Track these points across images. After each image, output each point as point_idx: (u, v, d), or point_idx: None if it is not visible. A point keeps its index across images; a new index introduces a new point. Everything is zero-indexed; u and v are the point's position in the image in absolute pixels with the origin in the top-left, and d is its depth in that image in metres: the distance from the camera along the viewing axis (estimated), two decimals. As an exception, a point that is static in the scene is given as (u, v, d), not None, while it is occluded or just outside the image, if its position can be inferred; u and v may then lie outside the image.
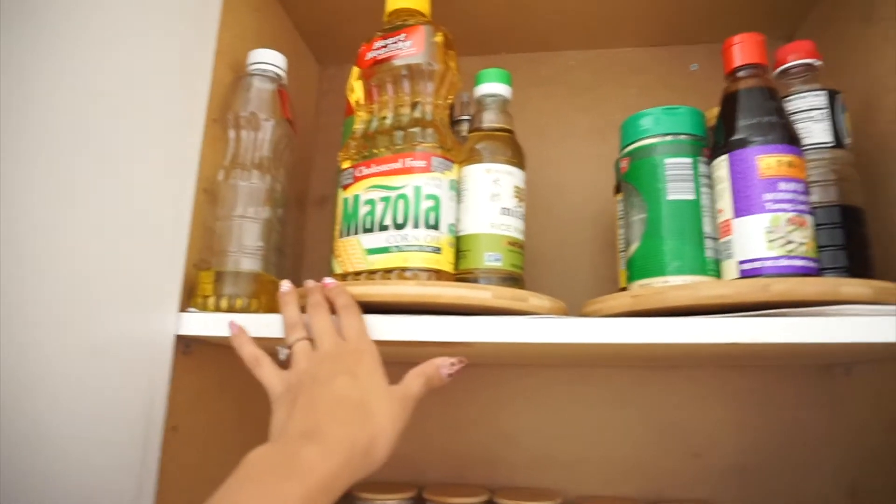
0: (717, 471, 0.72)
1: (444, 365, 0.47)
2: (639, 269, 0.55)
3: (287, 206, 0.62)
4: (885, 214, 0.58)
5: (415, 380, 0.46)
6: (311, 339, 0.48)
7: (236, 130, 0.59)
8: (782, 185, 0.50)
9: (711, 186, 0.55)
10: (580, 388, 0.76)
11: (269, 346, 0.49)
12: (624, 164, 0.58)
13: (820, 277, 0.49)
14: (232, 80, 0.61)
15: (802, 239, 0.49)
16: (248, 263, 0.56)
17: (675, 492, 0.72)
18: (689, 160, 0.55)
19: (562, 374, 0.76)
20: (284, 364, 0.48)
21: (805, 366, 0.73)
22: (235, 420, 0.64)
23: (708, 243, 0.54)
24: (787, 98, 0.57)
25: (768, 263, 0.49)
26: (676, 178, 0.55)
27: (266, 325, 0.51)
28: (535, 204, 0.80)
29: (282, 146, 0.61)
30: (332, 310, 0.49)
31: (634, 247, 0.56)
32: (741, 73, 0.55)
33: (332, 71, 0.90)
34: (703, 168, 0.55)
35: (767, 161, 0.51)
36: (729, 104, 0.55)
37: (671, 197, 0.54)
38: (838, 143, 0.56)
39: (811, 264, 0.49)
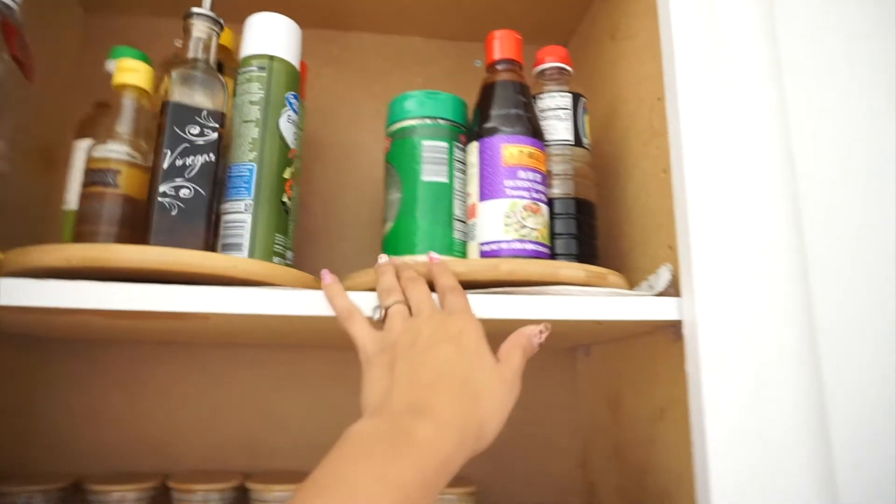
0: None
1: (534, 334, 0.44)
2: (392, 247, 0.56)
3: (12, 159, 0.54)
4: (614, 211, 0.66)
5: (515, 354, 0.42)
6: (408, 306, 0.45)
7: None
8: (522, 174, 0.54)
9: (465, 171, 0.57)
10: (349, 370, 0.75)
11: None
12: (386, 144, 0.59)
13: (546, 260, 0.54)
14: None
15: (535, 225, 0.53)
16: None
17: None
18: (445, 144, 0.57)
19: (329, 357, 0.76)
20: (377, 325, 0.45)
21: (552, 348, 0.80)
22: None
23: (457, 225, 0.56)
24: (539, 96, 0.62)
25: (504, 246, 0.53)
26: (432, 160, 0.57)
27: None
28: (320, 185, 0.79)
29: (6, 90, 0.53)
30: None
31: (389, 225, 0.57)
32: (499, 67, 0.58)
33: (99, 21, 0.80)
34: (458, 153, 0.58)
35: (511, 150, 0.54)
36: (485, 94, 0.58)
37: (425, 178, 0.56)
38: (577, 141, 0.61)
39: (542, 248, 0.54)
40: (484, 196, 0.55)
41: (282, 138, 0.56)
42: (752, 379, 0.46)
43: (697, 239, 0.49)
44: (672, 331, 0.52)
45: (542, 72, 0.63)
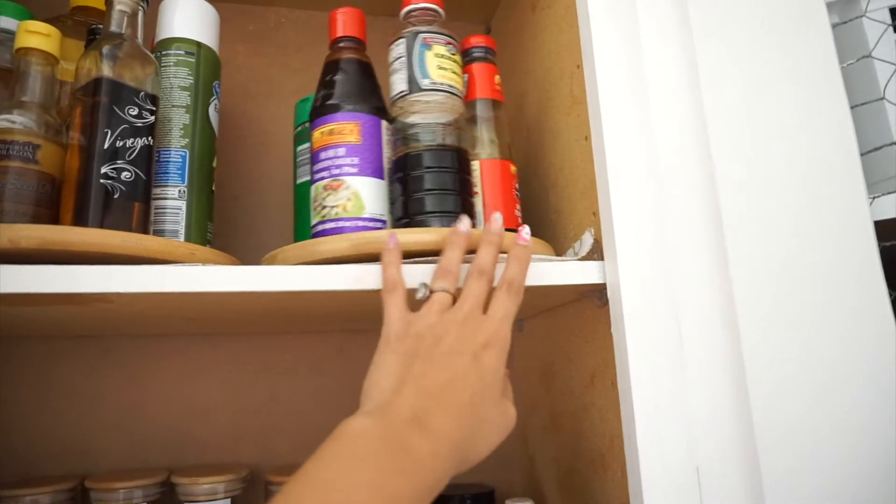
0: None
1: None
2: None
3: None
4: (540, 181, 0.65)
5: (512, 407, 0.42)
6: (455, 296, 0.43)
7: None
8: (322, 155, 0.54)
9: None
10: (273, 357, 0.73)
11: None
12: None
13: (302, 242, 0.50)
14: None
15: (335, 202, 0.52)
16: None
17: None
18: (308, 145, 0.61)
19: (252, 343, 0.73)
20: (417, 304, 0.43)
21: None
22: None
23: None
24: (389, 50, 0.56)
25: (315, 230, 0.53)
26: (301, 163, 0.64)
27: None
28: (238, 164, 0.76)
29: None
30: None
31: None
32: (334, 47, 0.57)
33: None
34: None
35: (315, 135, 0.55)
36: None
37: (298, 181, 0.64)
38: (413, 87, 0.54)
39: (345, 223, 0.52)
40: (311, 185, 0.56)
41: (211, 126, 0.56)
42: (675, 339, 0.47)
43: (618, 203, 0.49)
44: (598, 296, 0.52)
45: (407, 16, 0.57)
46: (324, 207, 0.52)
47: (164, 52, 0.55)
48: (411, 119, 0.54)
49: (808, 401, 0.46)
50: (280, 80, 0.79)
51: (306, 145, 0.62)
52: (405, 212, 0.52)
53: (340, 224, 0.51)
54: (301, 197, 0.62)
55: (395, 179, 0.54)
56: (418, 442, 0.34)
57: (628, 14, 0.53)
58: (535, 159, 0.67)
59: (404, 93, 0.54)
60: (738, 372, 0.46)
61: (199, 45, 0.56)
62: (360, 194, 0.52)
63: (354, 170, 0.52)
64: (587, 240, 0.52)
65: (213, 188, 0.56)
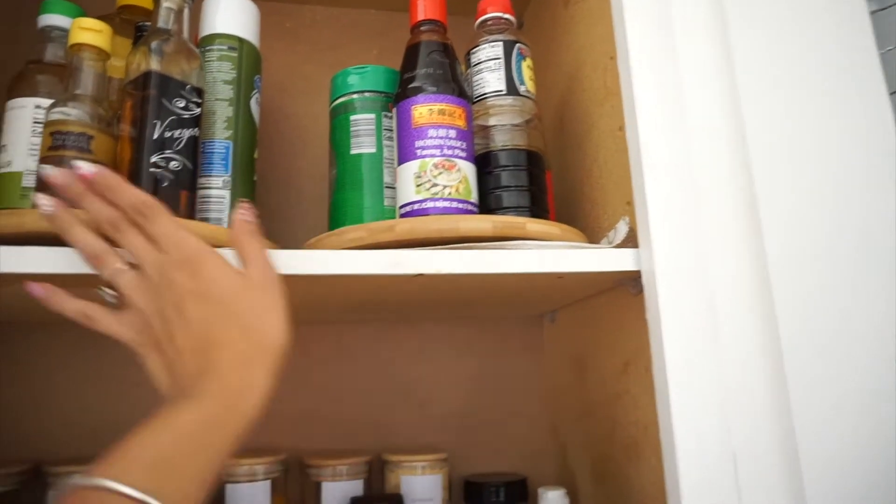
0: (440, 419, 0.76)
1: (240, 214, 0.43)
2: (332, 220, 0.59)
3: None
4: (575, 173, 0.66)
5: (250, 247, 0.42)
6: (129, 264, 0.40)
7: None
8: (432, 132, 0.54)
9: (393, 139, 0.58)
10: (308, 344, 0.75)
11: None
12: (331, 124, 0.62)
13: (442, 215, 0.52)
14: None
15: (448, 182, 0.53)
16: None
17: (402, 441, 0.74)
18: (372, 116, 0.59)
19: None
20: (117, 306, 0.41)
21: (520, 317, 0.81)
22: None
23: (388, 193, 0.58)
24: (472, 51, 0.60)
25: (416, 206, 0.53)
26: (359, 133, 0.59)
27: None
28: (274, 160, 0.77)
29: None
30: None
31: (330, 200, 0.60)
32: (419, 28, 0.58)
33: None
34: (387, 122, 0.59)
35: (420, 110, 0.54)
36: (404, 58, 0.58)
37: (353, 151, 0.59)
38: (511, 90, 0.58)
39: (457, 205, 0.53)
40: (400, 160, 0.55)
41: (252, 119, 0.58)
42: (710, 324, 0.47)
43: (652, 191, 0.49)
44: (633, 284, 0.53)
45: (482, 24, 0.61)
46: (434, 185, 0.52)
47: (207, 48, 0.56)
48: (495, 119, 0.58)
49: (848, 387, 0.46)
50: (314, 76, 0.80)
51: (366, 115, 0.60)
52: (518, 201, 0.56)
53: (454, 204, 0.52)
54: (362, 168, 0.59)
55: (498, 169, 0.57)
56: (202, 383, 0.37)
57: (661, 3, 0.53)
58: (569, 151, 0.68)
59: (501, 92, 0.58)
60: (776, 358, 0.46)
61: (241, 40, 0.57)
62: (468, 178, 0.54)
63: (464, 154, 0.54)
64: (622, 228, 0.53)
65: (255, 178, 0.58)
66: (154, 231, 0.40)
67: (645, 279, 0.50)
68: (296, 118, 0.79)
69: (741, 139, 0.50)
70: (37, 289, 0.41)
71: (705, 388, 0.46)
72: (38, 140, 0.51)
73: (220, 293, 0.39)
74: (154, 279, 0.39)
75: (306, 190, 0.78)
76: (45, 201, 0.40)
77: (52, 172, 0.40)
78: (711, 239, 0.49)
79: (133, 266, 0.40)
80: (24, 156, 0.51)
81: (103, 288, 0.41)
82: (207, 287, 0.39)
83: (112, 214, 0.40)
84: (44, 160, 0.47)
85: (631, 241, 0.52)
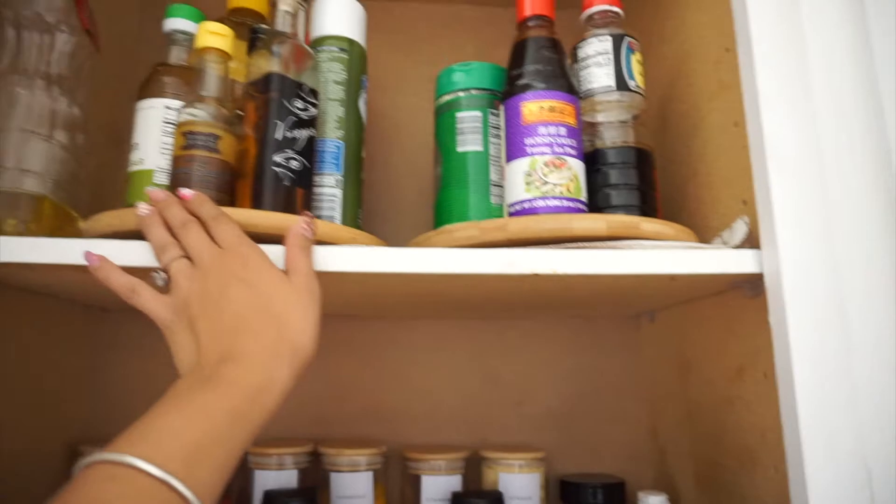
0: (536, 417, 0.76)
1: (302, 229, 0.45)
2: (438, 218, 0.59)
3: (87, 132, 0.55)
4: (679, 169, 0.64)
5: (299, 258, 0.43)
6: (187, 257, 0.43)
7: (16, 30, 0.50)
8: (542, 130, 0.53)
9: (500, 136, 0.57)
10: (407, 339, 0.76)
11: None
12: (436, 122, 0.62)
13: (555, 214, 0.51)
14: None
15: (559, 180, 0.52)
16: (31, 184, 0.49)
17: (498, 438, 0.74)
18: (478, 113, 0.59)
19: (388, 327, 0.76)
20: (164, 290, 0.43)
21: (617, 316, 0.79)
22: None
23: (494, 191, 0.57)
24: (579, 45, 0.59)
25: (526, 205, 0.52)
26: (465, 130, 0.59)
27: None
28: (371, 154, 0.79)
29: (79, 61, 0.54)
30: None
31: (435, 198, 0.60)
32: (526, 24, 0.57)
33: None
34: (493, 119, 0.59)
35: (530, 107, 0.54)
36: (511, 55, 0.57)
37: (460, 149, 0.58)
38: (621, 85, 0.57)
39: (568, 203, 0.52)
40: (509, 157, 0.54)
41: (360, 118, 0.59)
42: (840, 329, 0.45)
43: (778, 190, 0.47)
44: (749, 286, 0.51)
45: (589, 18, 0.60)
46: (545, 183, 0.51)
47: (319, 49, 0.58)
48: (602, 116, 0.57)
49: None
50: (410, 72, 0.81)
51: (473, 113, 0.59)
52: (628, 200, 0.55)
53: (565, 203, 0.51)
54: (467, 165, 0.58)
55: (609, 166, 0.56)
56: (226, 369, 0.37)
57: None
58: (672, 148, 0.66)
59: (611, 87, 0.57)
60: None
61: (350, 41, 0.59)
62: (578, 177, 0.53)
63: (574, 152, 0.53)
64: (740, 228, 0.51)
65: (362, 176, 0.59)
66: (217, 231, 0.43)
67: (768, 281, 0.47)
68: (392, 114, 0.81)
69: (879, 131, 0.47)
70: (93, 258, 0.44)
71: (835, 394, 0.44)
72: (167, 139, 0.54)
73: (265, 285, 0.41)
74: (205, 265, 0.42)
75: (403, 186, 0.79)
76: (143, 206, 0.45)
77: (157, 195, 0.46)
78: (842, 239, 0.46)
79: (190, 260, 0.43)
80: (155, 154, 0.54)
81: (158, 271, 0.44)
82: (254, 277, 0.41)
83: (186, 216, 0.44)
84: (177, 159, 0.50)
85: (750, 241, 0.50)
